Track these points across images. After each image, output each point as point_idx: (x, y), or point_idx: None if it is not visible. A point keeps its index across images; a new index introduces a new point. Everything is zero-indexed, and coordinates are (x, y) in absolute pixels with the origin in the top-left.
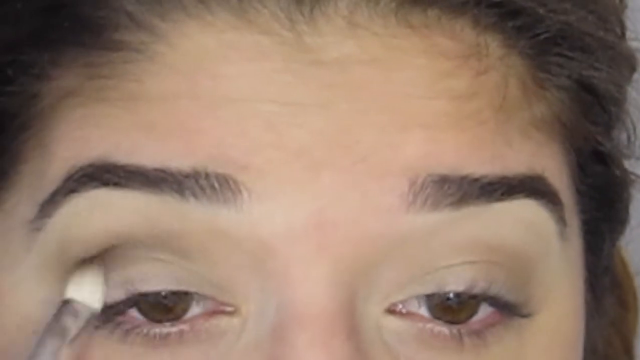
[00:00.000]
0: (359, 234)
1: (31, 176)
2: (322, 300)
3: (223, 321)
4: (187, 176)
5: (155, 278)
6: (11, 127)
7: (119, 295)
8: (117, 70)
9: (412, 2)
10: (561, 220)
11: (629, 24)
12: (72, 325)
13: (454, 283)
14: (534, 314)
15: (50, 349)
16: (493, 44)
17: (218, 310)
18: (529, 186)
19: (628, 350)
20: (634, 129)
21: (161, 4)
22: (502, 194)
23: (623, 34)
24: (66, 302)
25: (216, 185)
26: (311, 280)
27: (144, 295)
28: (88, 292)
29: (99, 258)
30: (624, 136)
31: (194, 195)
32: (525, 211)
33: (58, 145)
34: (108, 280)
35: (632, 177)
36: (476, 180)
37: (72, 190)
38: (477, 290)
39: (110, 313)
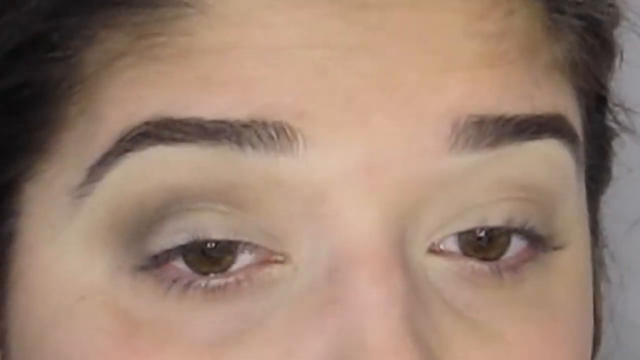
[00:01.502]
0: (406, 176)
1: (76, 143)
2: (375, 240)
3: (275, 269)
4: (245, 126)
5: (209, 229)
6: (54, 96)
7: (169, 244)
8: (166, 26)
9: None
10: (579, 160)
11: None
12: None
13: (493, 218)
14: (560, 248)
15: None
16: None
17: (269, 259)
18: (554, 125)
19: (595, 318)
20: None
21: None
22: (533, 133)
23: None
24: None
25: (273, 133)
26: (364, 221)
27: (195, 246)
28: None
29: None
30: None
31: (252, 145)
32: (550, 150)
33: (109, 108)
34: (160, 229)
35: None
36: (510, 119)
37: (127, 150)
38: (514, 224)
39: (158, 262)
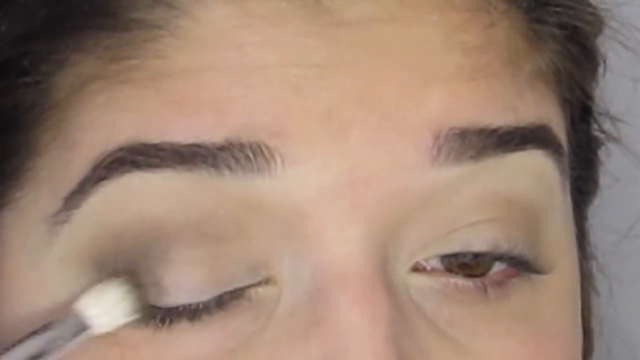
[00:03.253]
0: (388, 191)
1: (50, 169)
2: (358, 259)
3: (258, 292)
4: (221, 148)
5: (189, 265)
6: (25, 121)
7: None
8: (139, 49)
9: None
10: (564, 172)
11: None
12: (66, 340)
13: (478, 244)
14: (545, 272)
15: (27, 350)
16: None
17: (252, 284)
18: (539, 136)
19: (586, 331)
20: None
21: None
22: (517, 145)
23: None
24: (70, 312)
25: (250, 154)
26: (346, 240)
27: None
28: (102, 310)
29: (128, 277)
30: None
31: (229, 167)
32: (535, 162)
33: (82, 133)
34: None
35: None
36: (493, 131)
37: (102, 178)
38: (500, 250)
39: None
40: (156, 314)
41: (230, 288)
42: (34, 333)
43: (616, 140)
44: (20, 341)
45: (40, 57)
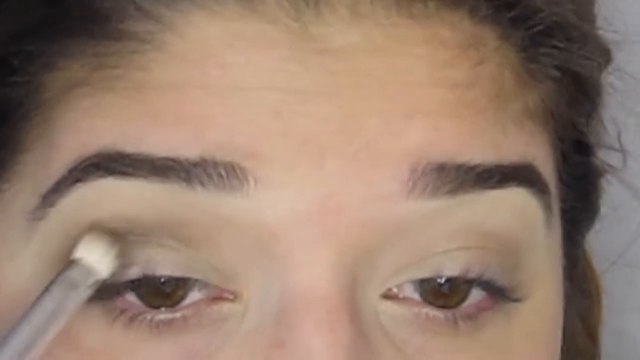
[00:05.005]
0: (362, 220)
1: (34, 166)
2: (325, 285)
3: (225, 307)
4: (194, 165)
5: (159, 264)
6: (14, 117)
7: (120, 276)
8: (124, 59)
9: None
10: (548, 209)
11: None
12: (82, 282)
13: (450, 268)
14: (522, 300)
15: (57, 296)
16: (489, 35)
17: (219, 296)
18: (521, 175)
19: (592, 338)
20: (602, 120)
21: None
22: (497, 182)
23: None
24: (74, 261)
25: (223, 173)
26: (314, 264)
27: (146, 280)
28: (97, 256)
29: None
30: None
31: (201, 183)
32: (516, 199)
33: (63, 135)
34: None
35: (607, 167)
36: (473, 168)
37: (78, 180)
38: (472, 274)
39: (109, 293)
40: (118, 321)
41: (199, 296)
42: (45, 291)
43: (614, 169)
44: (34, 303)
45: (29, 58)
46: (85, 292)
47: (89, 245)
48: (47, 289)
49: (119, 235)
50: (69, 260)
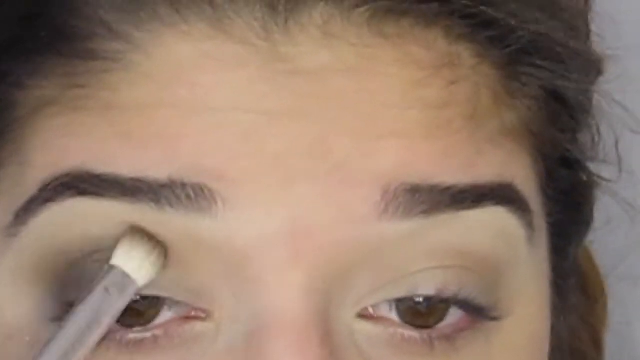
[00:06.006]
0: (333, 242)
1: (8, 182)
2: (296, 307)
3: (197, 326)
4: (163, 186)
5: None
6: None
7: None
8: (93, 79)
9: (385, 11)
10: (530, 226)
11: (594, 27)
12: (117, 295)
13: (425, 287)
14: (502, 318)
15: (94, 306)
16: (465, 54)
17: (191, 315)
18: (499, 194)
19: (597, 343)
20: (598, 132)
21: (137, 13)
22: (473, 202)
23: (588, 37)
24: (112, 268)
25: (192, 194)
26: (285, 287)
27: None
28: (136, 264)
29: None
30: (588, 138)
31: (170, 204)
32: (495, 218)
33: (35, 154)
34: (80, 279)
35: (597, 179)
36: (447, 189)
37: (48, 200)
38: (447, 294)
39: None
40: None
41: (171, 315)
42: (81, 301)
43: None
44: (70, 313)
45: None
46: (122, 300)
47: (127, 252)
48: (83, 299)
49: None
50: (108, 266)
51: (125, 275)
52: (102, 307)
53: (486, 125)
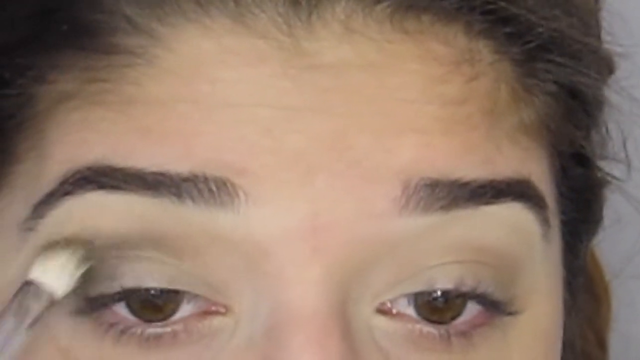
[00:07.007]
0: (352, 237)
1: (26, 177)
2: (315, 302)
3: (215, 321)
4: (185, 180)
5: (148, 276)
6: (7, 128)
7: (108, 288)
8: (115, 74)
9: (406, 7)
10: (545, 223)
11: (604, 25)
12: (34, 307)
13: (443, 281)
14: (518, 313)
15: (7, 327)
16: (484, 50)
17: (210, 310)
18: (516, 190)
19: (601, 344)
20: (607, 130)
21: (160, 8)
22: (491, 198)
23: (600, 35)
24: (27, 283)
25: (214, 188)
26: (305, 281)
27: (135, 292)
28: (53, 276)
29: (75, 244)
30: (598, 136)
31: (192, 198)
32: (512, 214)
33: (54, 148)
34: (99, 273)
35: (608, 178)
36: (466, 184)
37: (68, 193)
38: (465, 288)
39: (97, 304)
40: (108, 334)
41: (190, 309)
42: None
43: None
44: None
45: (20, 71)
46: (37, 313)
47: (43, 265)
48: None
49: (104, 250)
50: (23, 281)
51: (41, 288)
52: (18, 323)
53: (504, 122)
